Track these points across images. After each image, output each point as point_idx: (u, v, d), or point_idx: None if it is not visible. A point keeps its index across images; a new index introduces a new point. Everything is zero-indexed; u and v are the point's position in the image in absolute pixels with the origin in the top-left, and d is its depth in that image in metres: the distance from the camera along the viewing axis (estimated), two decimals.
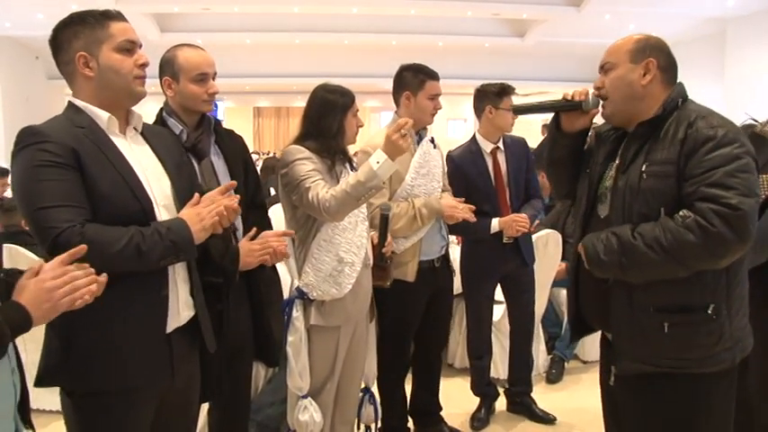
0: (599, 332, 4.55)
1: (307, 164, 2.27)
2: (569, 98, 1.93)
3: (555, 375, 4.01)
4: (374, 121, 19.38)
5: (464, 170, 3.14)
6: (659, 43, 1.82)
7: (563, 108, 1.96)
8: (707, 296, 1.68)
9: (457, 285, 3.19)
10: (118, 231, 1.50)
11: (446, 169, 3.08)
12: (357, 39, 12.34)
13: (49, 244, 1.45)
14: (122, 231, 1.51)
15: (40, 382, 1.62)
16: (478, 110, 3.16)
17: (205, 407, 2.35)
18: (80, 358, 1.58)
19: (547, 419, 3.44)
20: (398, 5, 10.74)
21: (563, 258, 4.17)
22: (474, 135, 3.23)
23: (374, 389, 2.79)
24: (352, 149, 2.58)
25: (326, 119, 2.36)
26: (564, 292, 4.29)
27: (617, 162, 1.84)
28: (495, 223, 3.11)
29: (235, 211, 1.69)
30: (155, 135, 1.80)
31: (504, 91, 3.09)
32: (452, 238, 4.08)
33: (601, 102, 1.88)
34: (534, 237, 3.56)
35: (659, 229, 1.64)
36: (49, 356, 1.62)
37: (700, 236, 1.57)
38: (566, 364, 4.11)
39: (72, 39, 1.60)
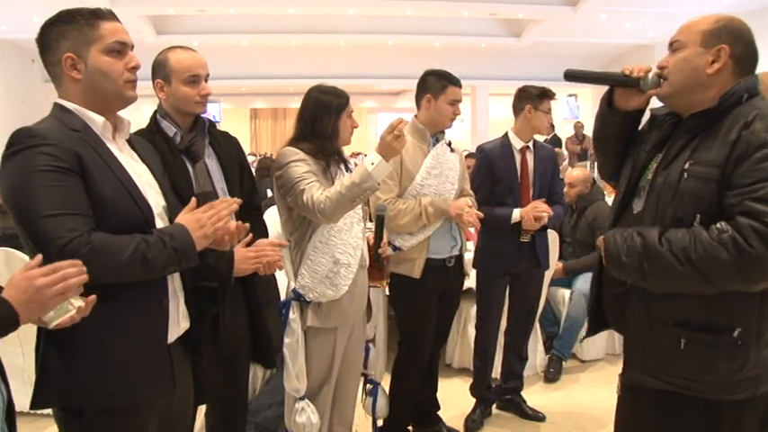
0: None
1: (301, 166, 2.27)
2: (628, 73, 1.73)
3: (553, 374, 4.01)
4: (371, 122, 19.39)
5: (492, 161, 3.22)
6: (740, 29, 1.61)
7: (619, 82, 1.76)
8: (735, 318, 1.51)
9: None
10: (123, 240, 1.46)
11: (466, 174, 3.13)
12: (354, 40, 12.33)
13: (54, 254, 1.36)
14: (128, 240, 1.46)
15: (39, 402, 1.53)
16: (517, 108, 3.25)
17: (203, 408, 2.35)
18: (83, 374, 1.50)
19: (537, 417, 3.45)
20: (395, 6, 10.74)
21: (560, 258, 4.18)
22: (506, 132, 3.31)
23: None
24: (348, 150, 2.58)
25: (321, 120, 2.35)
26: (561, 291, 4.31)
27: (662, 154, 1.67)
28: (516, 213, 3.14)
29: (244, 228, 1.68)
30: (139, 144, 1.74)
31: (545, 94, 3.20)
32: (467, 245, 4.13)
33: (660, 82, 1.69)
34: None
35: (690, 240, 1.47)
36: (47, 374, 1.52)
37: (734, 255, 1.41)
38: (564, 363, 4.11)
39: (59, 38, 1.52)
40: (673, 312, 1.56)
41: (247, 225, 1.70)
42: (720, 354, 1.52)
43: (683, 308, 1.55)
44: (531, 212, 3.11)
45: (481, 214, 2.88)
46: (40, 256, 1.29)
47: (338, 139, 2.39)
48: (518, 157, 3.23)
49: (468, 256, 3.85)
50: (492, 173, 3.21)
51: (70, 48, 1.52)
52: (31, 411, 1.59)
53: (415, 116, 2.95)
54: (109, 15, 1.57)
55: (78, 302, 1.31)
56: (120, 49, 1.56)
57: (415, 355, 2.93)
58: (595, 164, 9.69)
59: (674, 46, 1.65)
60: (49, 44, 1.53)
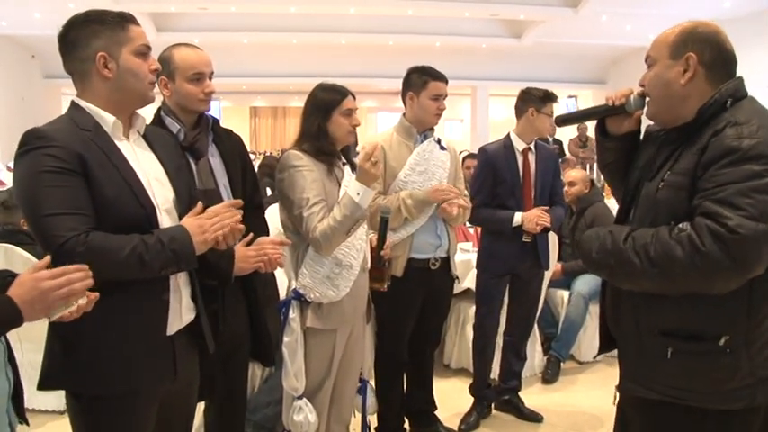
0: (596, 333, 4.51)
1: (305, 176, 2.26)
2: (611, 103, 1.78)
3: (551, 375, 4.01)
4: (371, 121, 19.37)
5: (494, 163, 3.22)
6: (706, 33, 1.58)
7: (606, 113, 1.82)
8: (722, 325, 1.47)
9: (455, 287, 3.20)
10: (121, 240, 1.49)
11: (460, 173, 3.10)
12: (354, 39, 12.34)
13: (53, 252, 1.44)
14: (126, 240, 1.50)
15: (44, 384, 1.62)
16: (520, 110, 3.25)
17: (201, 405, 2.35)
18: (83, 362, 1.57)
19: (534, 418, 3.45)
20: (396, 6, 10.75)
21: (559, 259, 4.18)
22: (508, 133, 3.30)
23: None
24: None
25: (308, 120, 2.36)
26: (560, 292, 4.31)
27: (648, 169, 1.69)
28: (518, 217, 3.15)
29: (240, 231, 1.69)
30: (156, 137, 1.79)
31: (548, 97, 3.20)
32: (465, 245, 4.09)
33: (646, 101, 1.71)
34: None
35: (651, 237, 1.47)
36: (51, 359, 1.61)
37: (689, 253, 1.41)
38: (562, 364, 4.11)
39: (91, 37, 1.58)
40: (659, 321, 1.55)
41: (243, 227, 1.72)
42: (708, 362, 1.49)
43: (669, 317, 1.53)
44: (533, 218, 3.11)
45: (462, 203, 2.85)
46: (48, 258, 1.35)
47: (327, 138, 2.35)
48: (520, 159, 3.24)
49: (465, 258, 3.85)
50: (494, 174, 3.20)
51: (103, 47, 1.58)
52: (30, 408, 1.63)
53: (404, 115, 2.94)
54: (134, 20, 1.65)
55: (81, 299, 1.35)
56: (146, 51, 1.65)
57: (391, 355, 2.92)
58: (594, 165, 9.71)
59: (647, 62, 1.64)
60: (79, 41, 1.59)
